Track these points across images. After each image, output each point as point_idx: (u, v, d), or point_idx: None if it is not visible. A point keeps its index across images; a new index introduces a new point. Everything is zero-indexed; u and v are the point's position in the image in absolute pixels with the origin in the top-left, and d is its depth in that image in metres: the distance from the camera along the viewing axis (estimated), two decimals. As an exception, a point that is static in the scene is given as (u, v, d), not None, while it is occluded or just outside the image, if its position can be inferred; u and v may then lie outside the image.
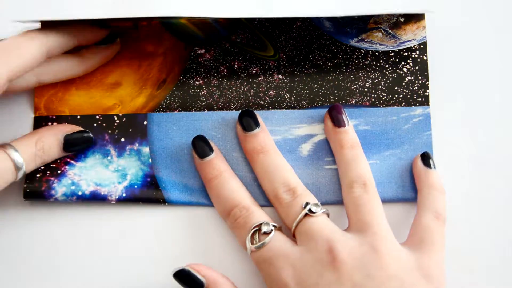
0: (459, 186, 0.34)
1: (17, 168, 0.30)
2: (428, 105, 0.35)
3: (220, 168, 0.33)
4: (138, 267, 0.33)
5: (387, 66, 0.35)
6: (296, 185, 0.31)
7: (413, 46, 0.35)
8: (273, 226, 0.30)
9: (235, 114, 0.35)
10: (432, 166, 0.33)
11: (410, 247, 0.29)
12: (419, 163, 0.33)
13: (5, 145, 0.30)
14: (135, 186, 0.34)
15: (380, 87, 0.35)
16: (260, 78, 0.35)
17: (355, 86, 0.35)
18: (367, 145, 0.34)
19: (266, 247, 0.29)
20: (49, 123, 0.34)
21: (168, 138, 0.35)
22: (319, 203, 0.31)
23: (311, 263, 0.28)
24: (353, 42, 0.35)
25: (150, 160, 0.34)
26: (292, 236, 0.30)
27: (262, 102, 0.35)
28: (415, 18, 0.35)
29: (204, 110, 0.35)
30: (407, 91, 0.35)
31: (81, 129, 0.34)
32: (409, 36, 0.35)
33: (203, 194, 0.34)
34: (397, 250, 0.28)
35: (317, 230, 0.29)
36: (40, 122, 0.34)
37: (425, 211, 0.31)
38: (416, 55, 0.35)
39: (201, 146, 0.33)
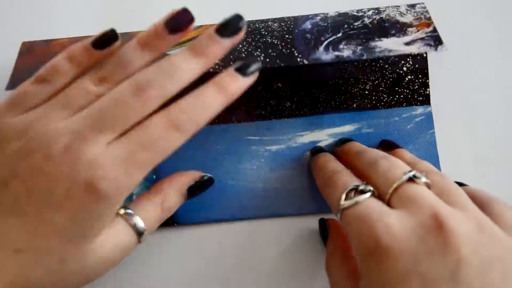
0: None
1: (139, 234, 0.28)
2: (429, 103, 0.35)
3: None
4: None
5: (386, 66, 0.35)
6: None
7: (411, 44, 0.35)
8: (370, 190, 0.27)
9: (236, 126, 0.35)
10: None
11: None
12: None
13: (126, 214, 0.28)
14: None
15: (380, 88, 0.35)
16: (259, 87, 0.35)
17: (355, 90, 0.35)
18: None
19: (361, 204, 0.26)
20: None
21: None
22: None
23: (411, 225, 0.24)
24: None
25: (154, 176, 0.34)
26: (387, 203, 0.27)
27: (263, 112, 0.35)
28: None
29: (205, 124, 0.35)
30: (407, 91, 0.35)
31: (202, 174, 0.32)
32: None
33: (210, 210, 0.34)
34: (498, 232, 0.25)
35: (421, 195, 0.25)
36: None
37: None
38: (415, 53, 0.35)
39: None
